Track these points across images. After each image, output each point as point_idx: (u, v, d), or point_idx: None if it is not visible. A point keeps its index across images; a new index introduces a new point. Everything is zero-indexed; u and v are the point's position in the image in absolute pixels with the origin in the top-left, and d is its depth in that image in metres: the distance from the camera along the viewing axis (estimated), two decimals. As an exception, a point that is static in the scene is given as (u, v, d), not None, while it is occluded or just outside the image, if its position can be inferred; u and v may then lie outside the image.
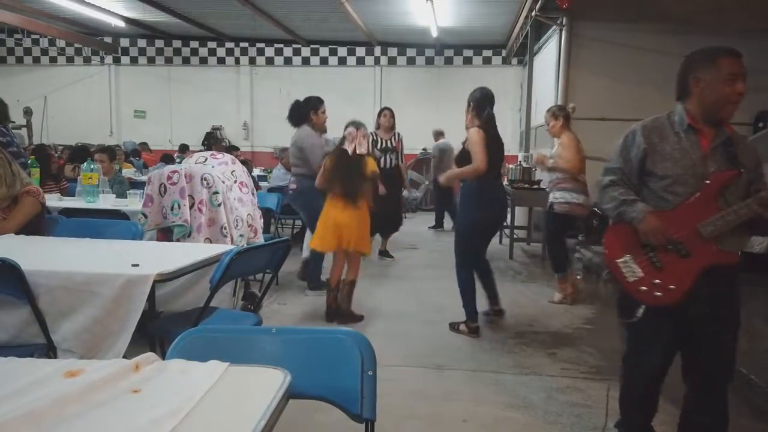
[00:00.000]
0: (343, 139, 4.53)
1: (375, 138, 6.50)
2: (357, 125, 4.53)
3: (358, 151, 4.42)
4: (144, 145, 12.14)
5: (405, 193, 7.95)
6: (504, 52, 12.78)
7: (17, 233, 3.09)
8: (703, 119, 2.17)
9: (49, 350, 2.32)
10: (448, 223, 9.82)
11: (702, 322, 2.19)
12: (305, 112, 5.35)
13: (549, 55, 9.39)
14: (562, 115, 5.27)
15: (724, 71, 2.11)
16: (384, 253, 6.80)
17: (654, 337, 2.28)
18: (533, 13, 8.32)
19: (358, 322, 4.44)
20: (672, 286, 2.15)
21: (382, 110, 6.82)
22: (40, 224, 3.30)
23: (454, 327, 4.34)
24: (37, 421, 1.00)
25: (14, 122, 8.91)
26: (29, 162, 4.87)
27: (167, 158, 8.95)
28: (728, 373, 2.26)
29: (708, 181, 2.12)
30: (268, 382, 1.21)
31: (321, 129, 5.41)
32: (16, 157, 4.12)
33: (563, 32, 8.35)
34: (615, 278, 2.28)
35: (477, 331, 4.23)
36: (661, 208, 2.20)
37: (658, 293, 2.16)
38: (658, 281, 2.17)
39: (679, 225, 2.15)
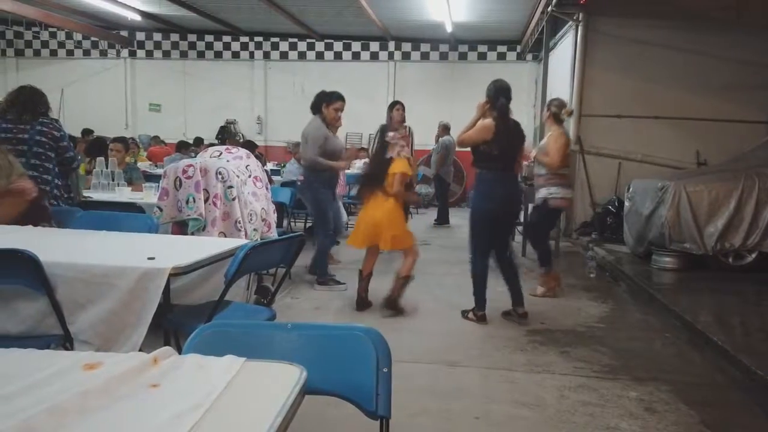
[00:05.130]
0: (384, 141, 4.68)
1: None
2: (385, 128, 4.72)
3: (401, 155, 4.57)
4: (156, 138, 12.23)
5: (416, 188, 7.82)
6: (519, 48, 12.67)
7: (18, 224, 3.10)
8: None
9: (65, 341, 2.35)
10: (453, 219, 9.82)
11: None
12: (319, 102, 5.39)
13: (564, 51, 9.31)
14: (555, 109, 5.31)
15: None
16: None
17: None
18: (549, 9, 8.24)
19: (365, 315, 4.58)
20: None
21: (394, 104, 6.72)
22: (43, 212, 3.32)
23: (464, 314, 4.54)
24: (62, 415, 1.02)
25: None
26: None
27: (199, 141, 8.65)
28: None
29: None
30: (284, 378, 1.22)
31: (331, 124, 5.41)
32: (66, 150, 4.14)
33: (579, 28, 8.28)
34: None
35: (484, 319, 4.43)
36: None
37: None
38: None
39: None
